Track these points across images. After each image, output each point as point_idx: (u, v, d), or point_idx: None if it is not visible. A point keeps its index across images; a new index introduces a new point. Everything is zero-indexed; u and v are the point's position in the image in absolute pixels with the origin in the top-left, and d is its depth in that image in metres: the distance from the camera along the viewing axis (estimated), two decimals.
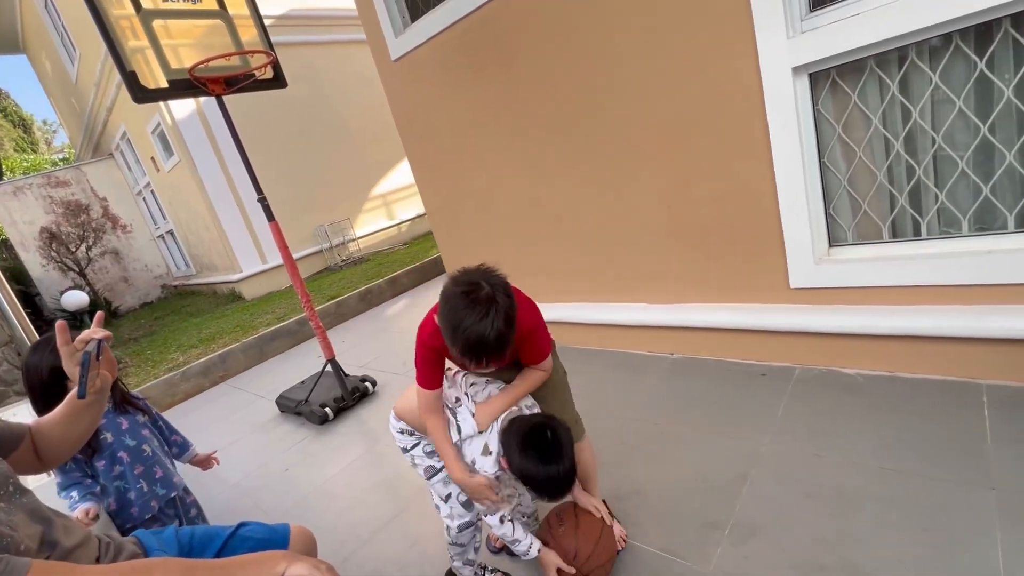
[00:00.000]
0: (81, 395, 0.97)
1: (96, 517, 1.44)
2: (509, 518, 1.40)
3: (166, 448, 1.78)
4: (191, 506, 1.82)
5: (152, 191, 10.03)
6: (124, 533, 1.39)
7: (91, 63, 8.65)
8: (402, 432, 1.52)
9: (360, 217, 9.30)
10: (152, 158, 8.90)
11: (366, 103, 9.00)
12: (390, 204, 9.79)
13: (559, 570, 1.38)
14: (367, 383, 3.38)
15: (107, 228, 10.18)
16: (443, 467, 1.44)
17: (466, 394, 1.37)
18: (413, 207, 9.89)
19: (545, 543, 1.42)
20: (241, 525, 1.24)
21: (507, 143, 2.99)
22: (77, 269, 9.27)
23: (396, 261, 7.43)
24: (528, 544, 1.39)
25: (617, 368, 2.72)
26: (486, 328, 1.09)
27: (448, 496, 1.48)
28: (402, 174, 9.66)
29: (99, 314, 1.05)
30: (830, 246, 2.12)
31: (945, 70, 1.74)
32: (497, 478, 1.32)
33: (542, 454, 1.19)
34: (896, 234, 2.01)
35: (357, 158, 9.16)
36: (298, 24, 8.48)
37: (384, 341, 4.52)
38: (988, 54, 1.65)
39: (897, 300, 1.97)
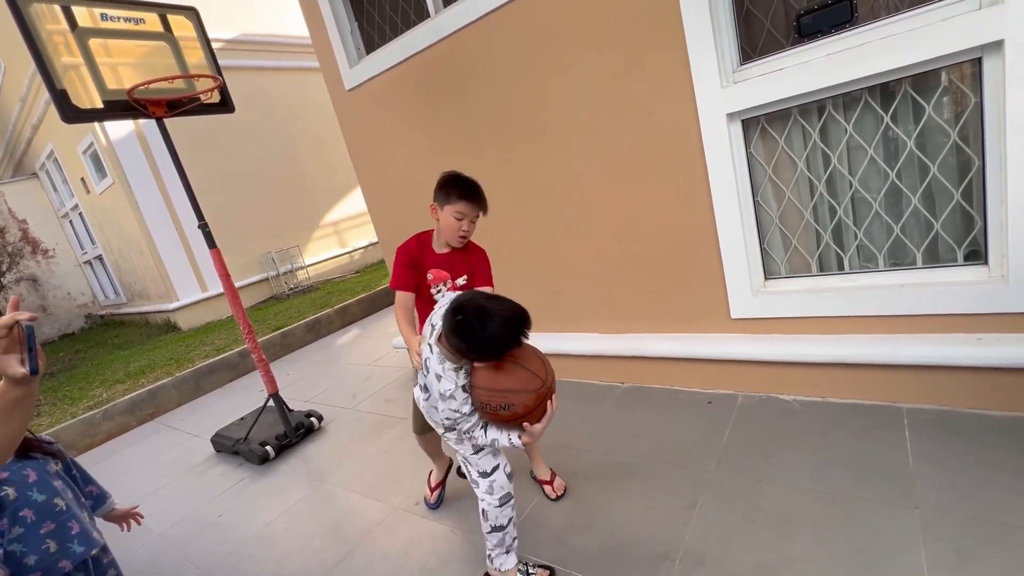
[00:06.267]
0: (34, 370, 0.88)
1: None
2: (482, 424, 1.42)
3: (82, 500, 1.60)
4: (108, 567, 1.62)
5: (81, 214, 9.36)
6: None
7: (17, 76, 8.10)
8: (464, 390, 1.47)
9: (310, 244, 9.05)
10: (82, 179, 8.35)
11: (318, 129, 8.89)
12: (342, 232, 9.59)
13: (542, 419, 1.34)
14: (313, 419, 3.22)
15: (25, 252, 9.37)
16: (491, 441, 1.44)
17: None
18: (365, 235, 9.73)
19: (515, 416, 1.34)
20: None
21: None
22: None
23: (347, 290, 7.24)
24: (507, 437, 1.39)
25: (569, 398, 2.74)
26: None
27: (495, 468, 1.54)
28: (355, 202, 9.52)
29: (14, 298, 0.94)
30: (766, 279, 2.26)
31: (858, 122, 1.93)
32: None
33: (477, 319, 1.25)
34: (823, 268, 2.17)
35: (308, 184, 8.97)
36: (250, 49, 8.34)
37: (333, 373, 4.35)
38: (892, 109, 1.86)
39: (826, 329, 2.11)
